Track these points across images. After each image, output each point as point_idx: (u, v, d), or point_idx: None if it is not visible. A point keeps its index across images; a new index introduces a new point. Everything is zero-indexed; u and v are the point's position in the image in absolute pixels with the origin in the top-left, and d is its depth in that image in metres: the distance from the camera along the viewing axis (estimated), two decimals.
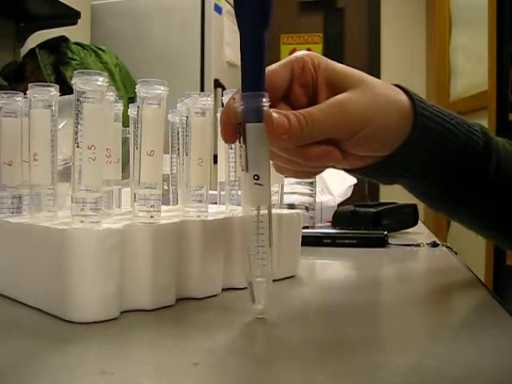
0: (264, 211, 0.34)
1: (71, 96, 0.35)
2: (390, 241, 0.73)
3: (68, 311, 0.35)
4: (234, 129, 0.35)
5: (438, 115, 0.42)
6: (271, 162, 0.41)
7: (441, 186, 0.45)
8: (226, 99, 0.45)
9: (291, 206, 0.81)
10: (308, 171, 0.43)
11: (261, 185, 0.34)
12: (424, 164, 0.43)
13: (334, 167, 0.44)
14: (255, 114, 0.34)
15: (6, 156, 0.42)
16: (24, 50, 1.99)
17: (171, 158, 0.51)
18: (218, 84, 2.22)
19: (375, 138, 0.40)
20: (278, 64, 0.40)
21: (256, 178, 0.34)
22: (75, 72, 0.35)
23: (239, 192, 0.46)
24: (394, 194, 0.83)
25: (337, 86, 0.39)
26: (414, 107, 0.41)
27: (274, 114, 0.35)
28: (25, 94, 0.41)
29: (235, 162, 0.45)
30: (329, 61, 0.41)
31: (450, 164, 0.43)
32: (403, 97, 0.41)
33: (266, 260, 0.35)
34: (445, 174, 0.44)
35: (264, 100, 0.34)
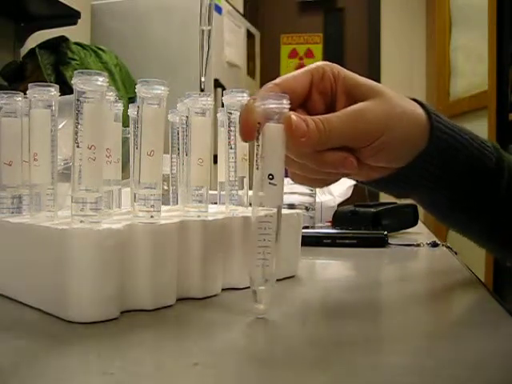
0: (274, 211, 0.35)
1: (71, 96, 0.35)
2: (390, 241, 0.73)
3: (68, 311, 0.35)
4: (253, 128, 0.36)
5: (452, 130, 0.43)
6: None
7: (453, 199, 0.45)
8: (226, 99, 0.45)
9: (291, 206, 0.81)
10: (323, 179, 0.43)
11: (274, 185, 0.34)
12: (438, 177, 0.43)
13: (347, 177, 0.44)
14: (275, 115, 0.35)
15: (6, 156, 0.42)
16: (24, 50, 1.99)
17: (171, 158, 0.51)
18: (217, 84, 2.22)
19: (390, 148, 0.40)
20: (298, 71, 0.41)
21: (270, 177, 0.34)
22: (75, 72, 0.35)
23: (239, 192, 0.46)
24: None
25: (355, 96, 0.40)
26: (430, 121, 0.42)
27: (293, 116, 0.36)
28: (25, 94, 0.41)
29: (235, 161, 0.45)
30: (348, 71, 0.41)
31: (463, 178, 0.44)
32: (420, 110, 0.42)
33: (270, 261, 0.35)
34: (458, 188, 0.44)
35: (285, 102, 0.35)
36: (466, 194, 0.45)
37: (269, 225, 0.35)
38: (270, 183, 0.34)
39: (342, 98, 0.41)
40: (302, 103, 0.41)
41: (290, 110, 0.36)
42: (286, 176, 0.42)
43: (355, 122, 0.39)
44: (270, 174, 0.34)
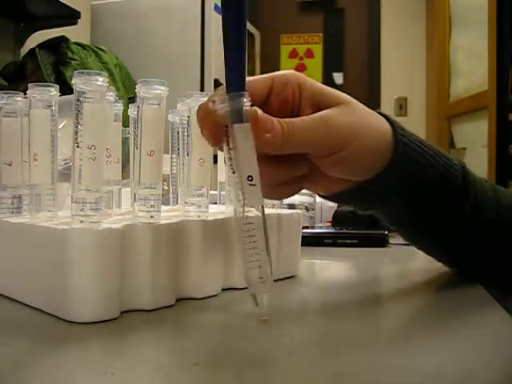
0: (255, 212, 0.34)
1: (71, 96, 0.35)
2: (390, 240, 0.73)
3: (68, 311, 0.35)
4: (220, 131, 0.35)
5: (417, 144, 0.42)
6: None
7: (415, 216, 0.45)
8: None
9: (291, 206, 0.81)
10: (279, 191, 0.41)
11: (254, 185, 0.34)
12: (401, 193, 0.43)
13: (308, 189, 0.44)
14: (240, 115, 0.34)
15: (6, 156, 0.42)
16: (24, 50, 2.00)
17: (171, 158, 0.51)
18: (218, 84, 2.22)
19: (355, 159, 0.39)
20: (259, 76, 0.39)
21: (250, 179, 0.34)
22: (75, 72, 0.35)
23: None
24: None
25: (321, 105, 0.39)
26: (394, 134, 0.41)
27: (259, 111, 0.35)
28: (25, 94, 0.41)
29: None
30: (315, 81, 0.40)
31: (426, 195, 0.44)
32: (385, 124, 0.41)
33: (263, 261, 0.34)
34: (420, 204, 0.44)
35: (245, 100, 0.34)
36: (429, 211, 0.45)
37: (253, 225, 0.34)
38: (250, 184, 0.34)
39: (307, 109, 0.39)
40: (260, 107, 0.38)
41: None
42: None
43: (321, 128, 0.37)
44: (250, 176, 0.34)
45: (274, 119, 0.36)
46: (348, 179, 0.41)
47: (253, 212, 0.34)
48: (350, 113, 0.39)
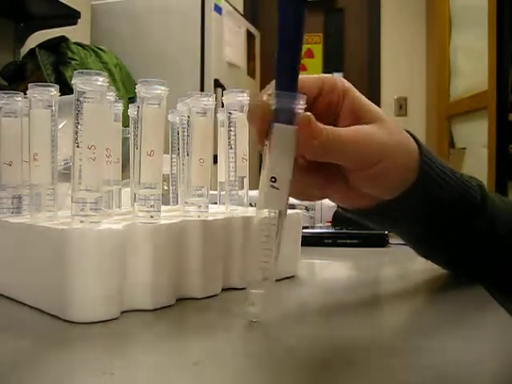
0: (275, 215, 0.34)
1: (71, 96, 0.35)
2: (390, 240, 0.73)
3: (68, 311, 0.35)
4: (267, 125, 0.34)
5: (438, 167, 0.43)
6: None
7: (435, 234, 0.46)
8: (226, 99, 0.45)
9: (291, 206, 0.81)
10: (307, 193, 0.42)
11: (276, 188, 0.33)
12: (423, 212, 0.43)
13: (332, 200, 0.44)
14: (290, 116, 0.33)
15: (6, 156, 0.42)
16: (24, 50, 2.00)
17: (171, 158, 0.51)
18: (217, 84, 2.23)
19: (388, 176, 0.40)
20: (309, 75, 0.39)
21: (273, 180, 0.33)
22: (75, 72, 0.35)
23: (239, 192, 0.46)
24: None
25: (360, 118, 0.39)
26: (420, 155, 0.42)
27: (312, 117, 0.34)
28: (25, 94, 0.41)
29: (235, 161, 0.45)
30: (356, 90, 0.40)
31: (445, 214, 0.44)
32: (413, 144, 0.42)
33: (270, 263, 0.34)
34: (440, 223, 0.45)
35: (301, 102, 0.33)
36: (447, 230, 0.45)
37: (271, 227, 0.34)
38: (271, 186, 0.33)
39: (346, 117, 0.39)
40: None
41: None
42: None
43: (360, 141, 0.38)
44: (273, 177, 0.33)
45: (322, 126, 0.35)
46: (375, 196, 0.42)
47: (273, 214, 0.34)
48: (386, 131, 0.39)
